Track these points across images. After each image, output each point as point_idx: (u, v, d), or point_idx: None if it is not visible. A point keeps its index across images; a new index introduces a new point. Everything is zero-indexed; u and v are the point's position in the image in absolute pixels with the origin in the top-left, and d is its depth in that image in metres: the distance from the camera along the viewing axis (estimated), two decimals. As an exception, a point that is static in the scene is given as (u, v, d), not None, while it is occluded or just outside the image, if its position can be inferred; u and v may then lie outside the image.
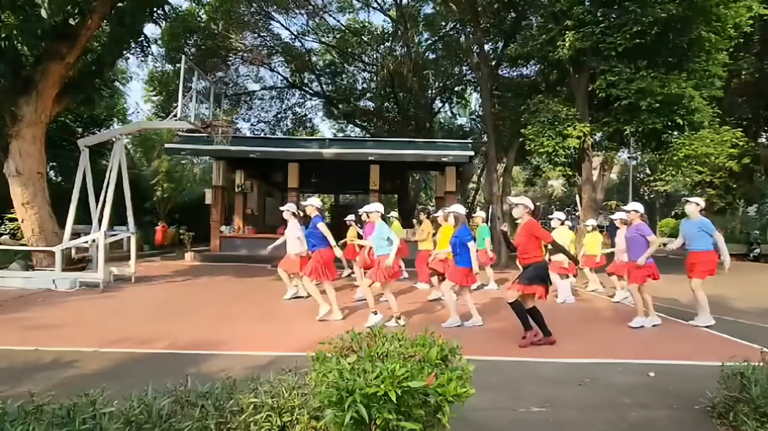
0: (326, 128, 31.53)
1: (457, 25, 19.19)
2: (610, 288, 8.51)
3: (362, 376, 1.76)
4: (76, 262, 9.63)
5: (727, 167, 12.81)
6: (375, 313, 5.67)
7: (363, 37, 22.96)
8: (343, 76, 24.82)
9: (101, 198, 9.18)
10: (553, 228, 7.97)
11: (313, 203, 6.28)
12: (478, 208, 21.79)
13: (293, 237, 6.86)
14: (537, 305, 4.98)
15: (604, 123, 10.85)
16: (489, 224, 16.60)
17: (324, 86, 24.78)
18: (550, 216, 8.21)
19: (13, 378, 3.51)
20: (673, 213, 31.91)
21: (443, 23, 20.47)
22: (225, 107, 18.71)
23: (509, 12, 15.36)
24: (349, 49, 23.29)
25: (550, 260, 7.28)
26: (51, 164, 15.94)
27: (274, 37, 22.08)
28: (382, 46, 22.80)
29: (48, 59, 9.13)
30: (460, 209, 5.86)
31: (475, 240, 5.97)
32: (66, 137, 15.39)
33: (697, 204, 6.14)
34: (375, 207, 6.04)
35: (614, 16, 10.08)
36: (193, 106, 9.28)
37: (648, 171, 31.29)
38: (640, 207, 6.14)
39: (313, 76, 24.25)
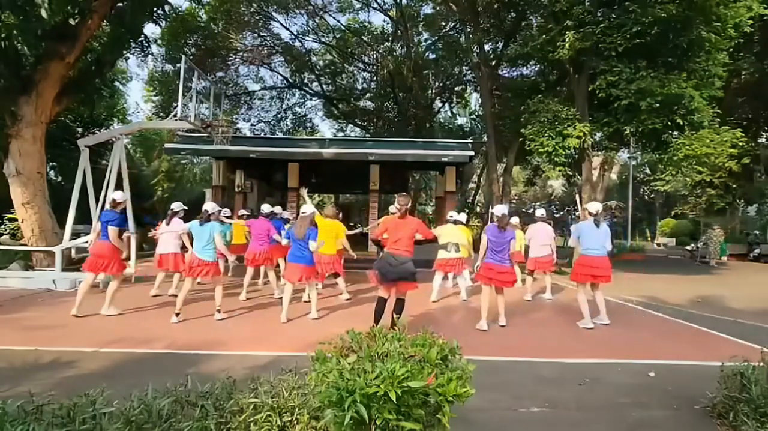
0: (326, 128, 31.59)
1: (457, 25, 19.21)
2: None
3: (362, 376, 1.76)
4: (76, 262, 9.63)
5: (727, 167, 12.79)
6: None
7: (363, 37, 22.96)
8: (343, 76, 24.84)
9: (101, 198, 9.17)
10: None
11: (117, 196, 6.15)
12: (478, 207, 21.82)
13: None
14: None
15: (604, 123, 10.84)
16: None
17: (324, 86, 24.79)
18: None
19: (13, 378, 3.51)
20: (672, 213, 31.95)
21: (443, 23, 20.49)
22: (225, 107, 18.66)
23: (509, 12, 15.35)
24: (349, 49, 23.30)
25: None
26: (51, 164, 15.91)
27: (274, 37, 22.12)
28: (382, 46, 22.80)
29: (48, 59, 9.12)
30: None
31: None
32: (66, 137, 15.36)
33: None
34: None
35: (614, 16, 10.08)
36: (193, 106, 9.26)
37: (648, 171, 31.31)
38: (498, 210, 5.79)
39: (313, 76, 24.27)
